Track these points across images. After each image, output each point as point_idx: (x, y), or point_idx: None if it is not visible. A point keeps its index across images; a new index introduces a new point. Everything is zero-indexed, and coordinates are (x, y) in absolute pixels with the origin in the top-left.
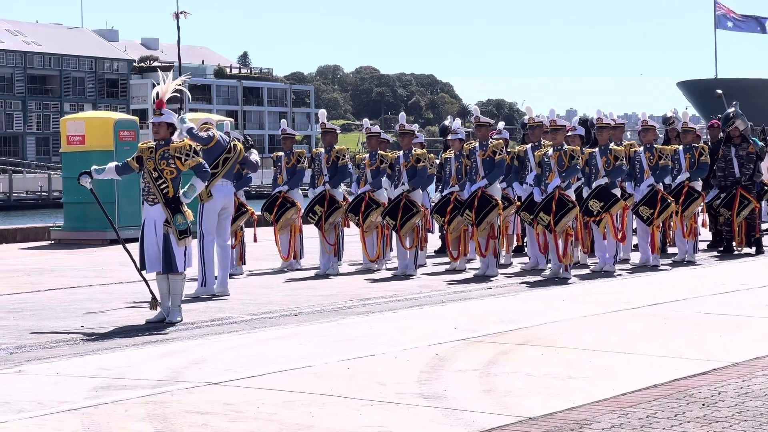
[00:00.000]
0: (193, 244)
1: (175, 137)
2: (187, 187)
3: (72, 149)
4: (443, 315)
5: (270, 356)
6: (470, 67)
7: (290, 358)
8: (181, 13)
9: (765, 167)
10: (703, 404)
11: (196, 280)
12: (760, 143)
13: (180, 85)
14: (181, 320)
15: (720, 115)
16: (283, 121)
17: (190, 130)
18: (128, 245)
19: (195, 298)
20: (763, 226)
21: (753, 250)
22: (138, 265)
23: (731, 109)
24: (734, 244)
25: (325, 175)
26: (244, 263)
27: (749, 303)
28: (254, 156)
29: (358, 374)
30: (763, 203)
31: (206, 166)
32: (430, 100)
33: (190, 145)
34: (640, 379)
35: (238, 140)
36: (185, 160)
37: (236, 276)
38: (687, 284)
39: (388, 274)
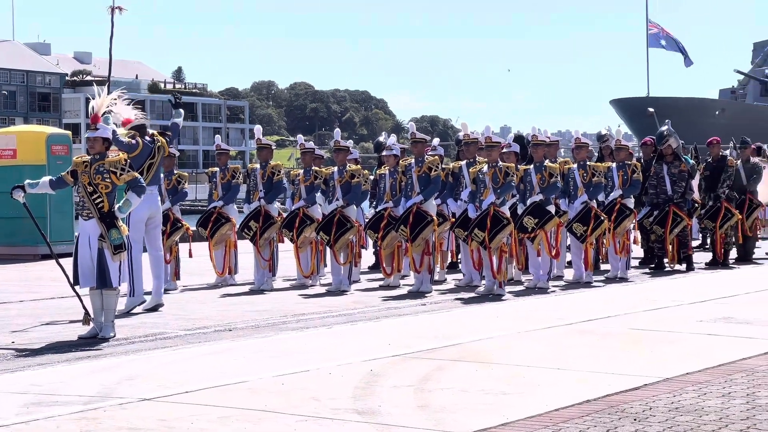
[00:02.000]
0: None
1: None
2: (122, 201)
3: (3, 163)
4: (378, 331)
5: (204, 372)
6: (404, 83)
7: (224, 373)
8: (117, 8)
9: (695, 185)
10: (635, 419)
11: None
12: (692, 161)
13: (115, 99)
14: (115, 336)
15: (656, 134)
16: (218, 136)
17: (113, 133)
18: (61, 260)
19: (128, 313)
20: (694, 244)
21: (684, 267)
22: (71, 280)
23: (664, 128)
24: (666, 261)
25: (261, 190)
26: (178, 278)
27: (680, 319)
28: (177, 119)
29: (292, 390)
30: (694, 220)
31: (142, 180)
32: (364, 116)
33: (125, 159)
34: (572, 394)
35: (161, 133)
36: (120, 174)
37: (171, 291)
38: (619, 301)
39: (323, 289)
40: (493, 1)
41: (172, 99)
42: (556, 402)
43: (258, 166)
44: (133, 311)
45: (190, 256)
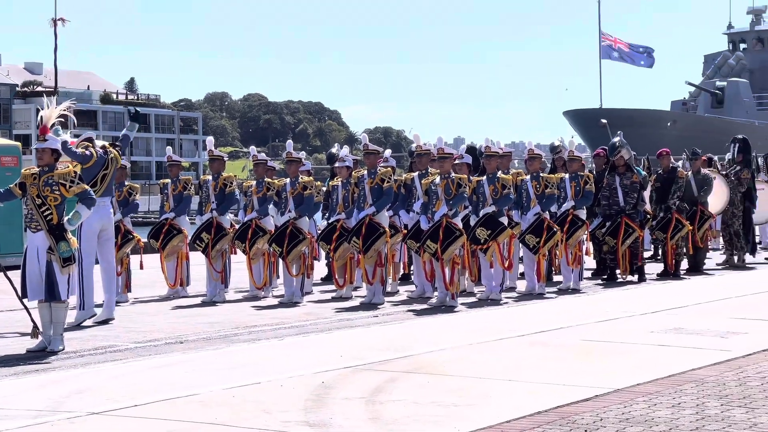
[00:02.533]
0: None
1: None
2: (71, 214)
3: None
4: (330, 343)
5: (154, 385)
6: (358, 95)
7: (175, 386)
8: (59, 19)
9: (647, 196)
10: (586, 430)
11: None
12: (644, 173)
13: (65, 110)
14: (63, 349)
15: (609, 145)
16: (169, 148)
17: (64, 144)
18: (9, 273)
19: (78, 326)
20: (646, 255)
21: (636, 278)
22: (19, 292)
23: (616, 139)
24: (618, 272)
25: (213, 202)
26: (129, 291)
27: (631, 330)
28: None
29: (243, 402)
30: (646, 231)
31: (92, 193)
32: (317, 127)
33: (75, 172)
34: (524, 405)
35: (114, 145)
36: (70, 186)
37: (122, 303)
38: (572, 312)
39: (275, 301)
40: (448, 11)
41: (132, 111)
42: (508, 413)
43: (210, 177)
44: (84, 324)
45: (141, 267)
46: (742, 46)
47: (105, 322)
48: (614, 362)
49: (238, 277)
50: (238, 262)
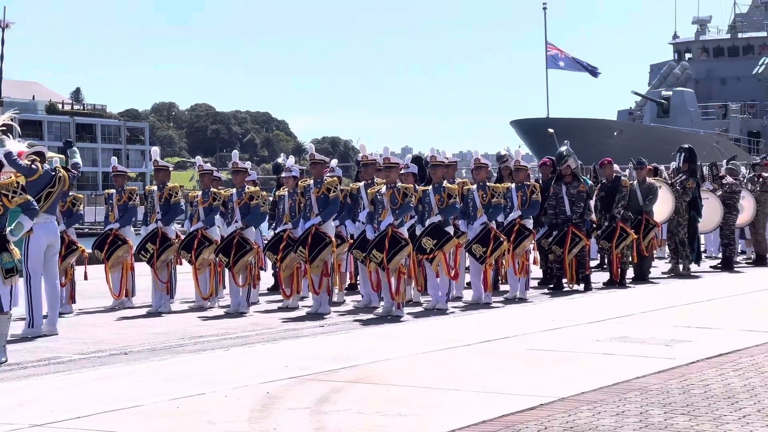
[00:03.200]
0: (20, 283)
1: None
2: (14, 224)
3: None
4: (275, 353)
5: (98, 396)
6: (305, 105)
7: (118, 398)
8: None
9: (592, 205)
10: None
11: (23, 319)
12: (590, 182)
13: (8, 120)
14: (6, 360)
15: (556, 155)
16: (114, 158)
17: (8, 155)
18: None
19: (22, 338)
20: (592, 264)
21: (582, 287)
22: None
23: (563, 148)
24: (564, 281)
25: (158, 212)
26: (74, 302)
27: (577, 339)
28: (77, 158)
29: (187, 413)
30: (592, 241)
31: (34, 203)
32: (265, 137)
33: (17, 182)
34: (469, 415)
35: (65, 168)
36: (12, 197)
37: (66, 315)
38: (518, 321)
39: (221, 311)
40: (396, 22)
41: (62, 143)
42: (453, 423)
43: (155, 188)
44: (28, 335)
45: (86, 278)
46: (688, 55)
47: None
48: (559, 371)
49: (183, 287)
50: (184, 272)
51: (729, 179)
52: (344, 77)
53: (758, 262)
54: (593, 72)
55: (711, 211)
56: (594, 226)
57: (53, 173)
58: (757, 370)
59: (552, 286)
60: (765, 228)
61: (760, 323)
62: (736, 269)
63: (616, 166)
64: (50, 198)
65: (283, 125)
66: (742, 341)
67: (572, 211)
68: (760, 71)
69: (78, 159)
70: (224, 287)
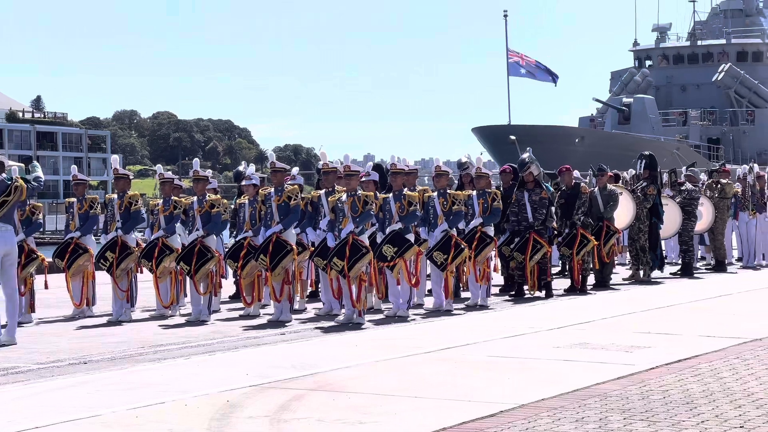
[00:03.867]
0: None
1: None
2: None
3: None
4: (236, 361)
5: (56, 406)
6: (268, 112)
7: (77, 407)
8: None
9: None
10: None
11: None
12: (552, 188)
13: None
14: None
15: (518, 161)
16: (74, 167)
17: None
18: None
19: None
20: (554, 270)
21: (543, 293)
22: None
23: (526, 155)
24: (526, 288)
25: (118, 221)
26: (33, 311)
27: (537, 346)
28: (38, 172)
29: (146, 423)
30: (554, 247)
31: None
32: (227, 145)
33: None
34: (429, 422)
35: (24, 179)
36: None
37: (25, 324)
38: (479, 328)
39: (182, 320)
40: (355, 28)
41: (29, 164)
42: (413, 430)
43: (116, 196)
44: None
45: (46, 287)
46: (648, 63)
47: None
48: (520, 378)
49: (144, 296)
50: (145, 280)
51: (688, 186)
52: (307, 85)
53: (718, 268)
54: (553, 78)
55: (670, 217)
56: (555, 233)
57: (9, 182)
58: (716, 375)
59: (513, 293)
60: (724, 234)
61: (719, 329)
62: (695, 275)
63: (575, 173)
64: (5, 207)
65: (246, 133)
66: (702, 347)
67: (534, 217)
68: (719, 78)
69: (40, 173)
70: (185, 295)
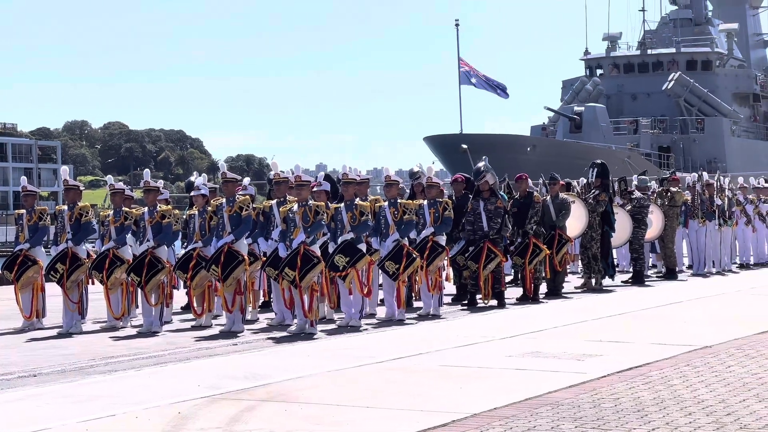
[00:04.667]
0: None
1: None
2: None
3: None
4: (187, 372)
5: (6, 420)
6: (220, 123)
7: (27, 421)
8: None
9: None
10: None
11: None
12: (506, 197)
13: None
14: None
15: (473, 170)
16: (24, 178)
17: None
18: None
19: None
20: (507, 279)
21: (496, 303)
22: None
23: (481, 164)
24: (479, 297)
25: (68, 232)
26: None
27: (489, 355)
28: None
29: None
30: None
31: None
32: (179, 155)
33: None
34: None
35: None
36: None
37: None
38: (431, 338)
39: (133, 331)
40: (307, 37)
41: None
42: None
43: (66, 207)
44: None
45: None
46: (599, 71)
47: None
48: (472, 387)
49: (95, 307)
50: (96, 292)
51: (637, 194)
52: (258, 95)
53: (668, 275)
54: (503, 92)
55: (620, 225)
56: (508, 241)
57: None
58: (666, 383)
59: (466, 302)
60: (674, 242)
61: (669, 337)
62: (646, 283)
63: (529, 182)
64: None
65: (198, 143)
66: (653, 355)
67: (490, 227)
68: (669, 87)
69: None
70: (136, 307)
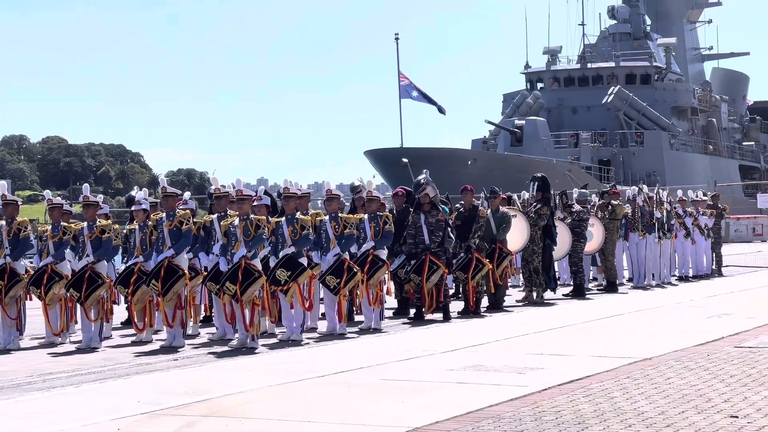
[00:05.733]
0: None
1: None
2: None
3: None
4: (127, 388)
5: None
6: (160, 137)
7: None
8: None
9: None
10: None
11: None
12: (448, 210)
13: None
14: None
15: (414, 183)
16: None
17: None
18: None
19: None
20: (450, 292)
21: (441, 315)
22: None
23: (422, 177)
24: (423, 310)
25: (6, 247)
26: None
27: (431, 368)
28: None
29: None
30: None
31: None
32: (120, 170)
33: None
34: None
35: None
36: None
37: None
38: (372, 352)
39: (72, 347)
40: (249, 51)
41: None
42: None
43: (4, 222)
44: None
45: None
46: (540, 85)
47: None
48: (413, 401)
49: (34, 323)
50: (34, 308)
51: (577, 207)
52: (199, 109)
53: (609, 288)
54: (440, 109)
55: (560, 238)
56: (451, 254)
57: None
58: (607, 395)
59: (412, 315)
60: (614, 255)
61: (610, 349)
62: (587, 296)
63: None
64: None
65: (138, 157)
66: (593, 367)
67: (431, 240)
68: (609, 101)
69: None
70: (75, 322)
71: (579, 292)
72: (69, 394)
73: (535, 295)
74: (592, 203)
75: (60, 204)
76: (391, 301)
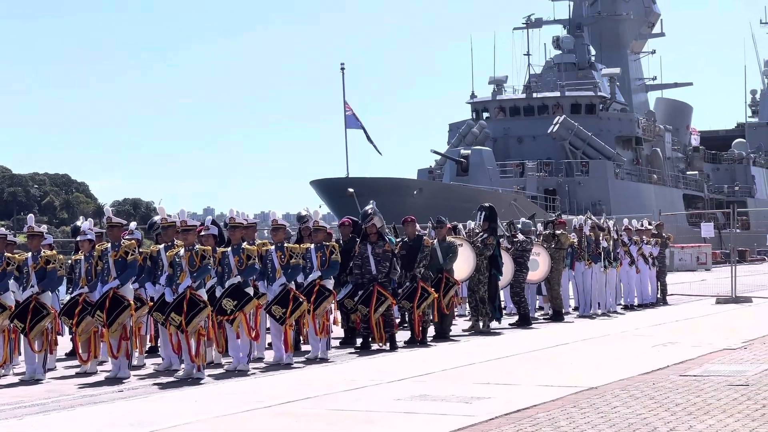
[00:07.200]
0: None
1: None
2: None
3: None
4: (72, 420)
5: None
6: (106, 166)
7: None
8: None
9: None
10: None
11: None
12: (395, 240)
13: None
14: None
15: (361, 213)
16: None
17: None
18: None
19: None
20: (396, 322)
21: (389, 345)
22: None
23: (369, 207)
24: (373, 341)
25: None
26: None
27: (378, 398)
28: None
29: None
30: None
31: None
32: (65, 200)
33: None
34: None
35: None
36: None
37: None
38: (319, 382)
39: (16, 379)
40: (197, 82)
41: None
42: None
43: None
44: None
45: None
46: (486, 114)
47: None
48: (360, 431)
49: None
50: None
51: (520, 237)
52: (145, 139)
53: (555, 317)
54: (377, 149)
55: (504, 268)
56: (396, 284)
57: None
58: (554, 425)
59: (359, 346)
60: (560, 284)
61: (556, 378)
62: (533, 325)
63: (416, 224)
64: None
65: (84, 187)
66: (540, 396)
67: (378, 270)
68: (554, 130)
69: None
70: (19, 354)
71: (525, 322)
72: (12, 427)
73: (481, 324)
74: (537, 232)
75: (4, 234)
76: (338, 331)
